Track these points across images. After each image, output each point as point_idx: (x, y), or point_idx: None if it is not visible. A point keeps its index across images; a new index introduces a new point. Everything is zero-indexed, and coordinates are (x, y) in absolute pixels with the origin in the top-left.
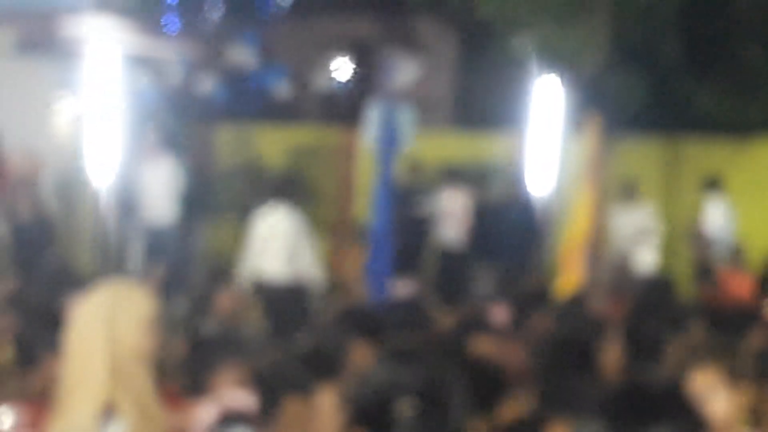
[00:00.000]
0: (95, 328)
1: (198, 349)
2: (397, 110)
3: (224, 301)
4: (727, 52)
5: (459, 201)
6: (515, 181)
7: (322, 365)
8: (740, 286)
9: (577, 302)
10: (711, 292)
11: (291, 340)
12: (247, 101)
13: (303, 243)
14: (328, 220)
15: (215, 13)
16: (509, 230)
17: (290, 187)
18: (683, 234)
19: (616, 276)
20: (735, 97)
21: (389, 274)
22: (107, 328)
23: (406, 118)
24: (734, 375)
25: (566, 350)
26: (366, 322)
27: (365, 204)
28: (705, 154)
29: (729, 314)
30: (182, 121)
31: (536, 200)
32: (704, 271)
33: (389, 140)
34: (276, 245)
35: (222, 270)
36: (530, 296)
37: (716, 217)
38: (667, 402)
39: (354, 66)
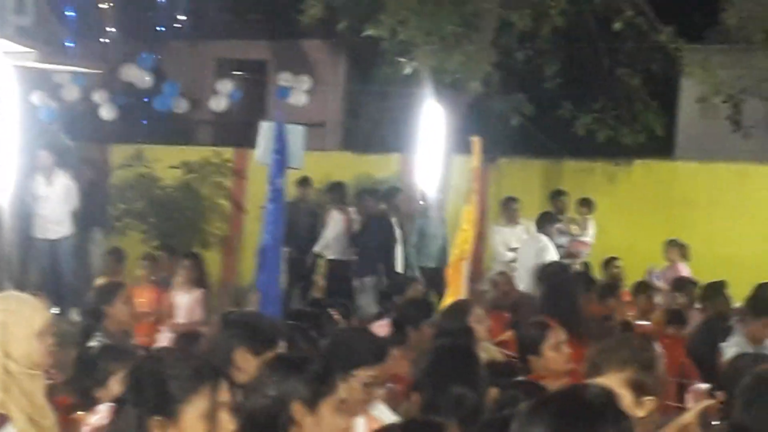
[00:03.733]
0: None
1: (87, 361)
2: (287, 130)
3: (116, 313)
4: (605, 77)
5: (343, 216)
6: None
7: (206, 371)
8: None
9: (457, 313)
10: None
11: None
12: (141, 120)
13: None
14: (219, 236)
15: (111, 33)
16: (386, 244)
17: None
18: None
19: (496, 291)
20: (612, 121)
21: (278, 288)
22: None
23: (296, 138)
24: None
25: (448, 359)
26: (251, 330)
27: (255, 220)
28: (583, 176)
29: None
30: (77, 138)
31: (393, 213)
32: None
33: (280, 159)
34: None
35: (116, 282)
36: (413, 308)
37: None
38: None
39: (246, 87)
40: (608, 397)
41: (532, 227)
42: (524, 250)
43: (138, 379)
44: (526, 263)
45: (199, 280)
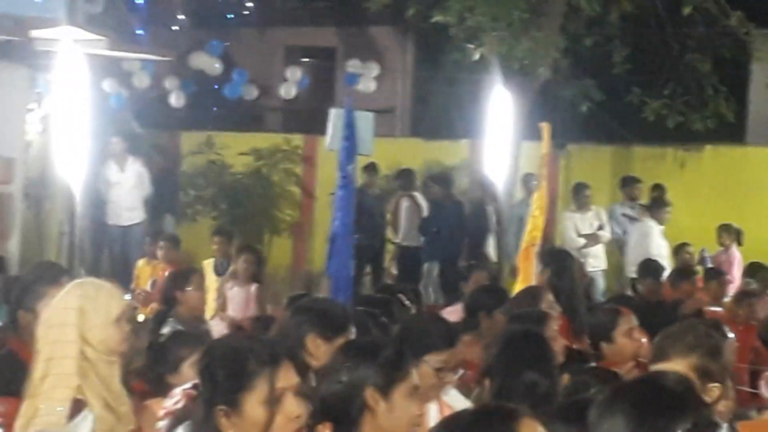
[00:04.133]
0: (65, 324)
1: (160, 347)
2: (356, 117)
3: (189, 299)
4: (675, 63)
5: (411, 202)
6: (470, 182)
7: (279, 356)
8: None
9: (529, 299)
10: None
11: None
12: (211, 107)
13: None
14: (289, 222)
15: (181, 20)
16: (460, 229)
17: None
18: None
19: None
20: (682, 106)
21: (349, 273)
22: (77, 324)
23: (365, 125)
24: None
25: (522, 344)
26: (321, 316)
27: (326, 207)
28: (653, 162)
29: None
30: (147, 126)
31: (489, 201)
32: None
33: (349, 146)
34: None
35: (189, 269)
36: (485, 294)
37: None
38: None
39: (315, 74)
40: (687, 384)
41: (603, 213)
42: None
43: (206, 365)
44: (633, 247)
45: (256, 274)
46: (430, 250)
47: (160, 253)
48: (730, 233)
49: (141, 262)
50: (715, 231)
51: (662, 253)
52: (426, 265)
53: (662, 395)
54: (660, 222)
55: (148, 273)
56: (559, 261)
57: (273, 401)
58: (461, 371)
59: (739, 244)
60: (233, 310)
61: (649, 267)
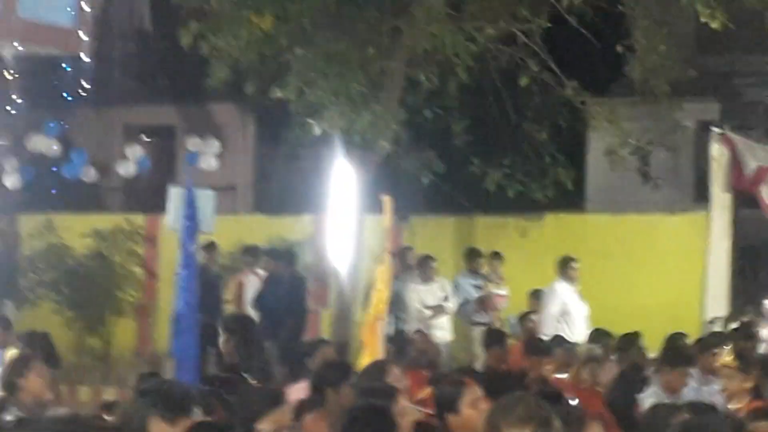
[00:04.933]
0: None
1: None
2: (197, 195)
3: (30, 385)
4: (513, 132)
5: (257, 279)
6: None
7: None
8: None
9: (376, 373)
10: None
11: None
12: (50, 189)
13: None
14: (133, 303)
15: (16, 102)
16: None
17: None
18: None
19: (414, 349)
20: (522, 176)
21: (195, 353)
22: None
23: (206, 203)
24: None
25: (367, 419)
26: (164, 398)
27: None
28: (495, 231)
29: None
30: None
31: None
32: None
33: (191, 225)
34: None
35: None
36: (331, 370)
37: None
38: None
39: (155, 152)
40: None
41: (447, 284)
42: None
43: None
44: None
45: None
46: (266, 326)
47: None
48: (539, 299)
49: None
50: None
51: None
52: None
53: None
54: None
55: None
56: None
57: None
58: None
59: None
60: None
61: (494, 336)
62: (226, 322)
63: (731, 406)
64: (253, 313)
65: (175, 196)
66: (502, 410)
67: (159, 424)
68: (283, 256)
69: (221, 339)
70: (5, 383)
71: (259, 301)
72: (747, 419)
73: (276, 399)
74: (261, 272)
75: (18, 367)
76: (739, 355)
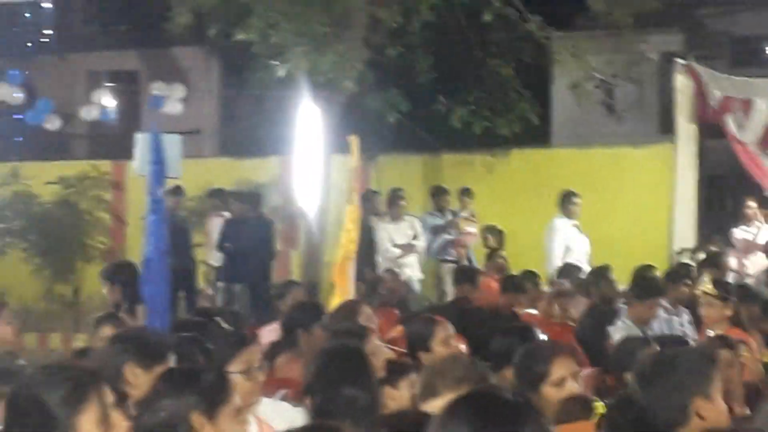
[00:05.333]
0: None
1: None
2: (163, 140)
3: (1, 332)
4: (478, 69)
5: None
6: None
7: (86, 380)
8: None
9: (347, 313)
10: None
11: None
12: (14, 137)
13: None
14: (101, 249)
15: None
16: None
17: None
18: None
19: (384, 287)
20: (487, 112)
21: (165, 298)
22: None
23: (173, 148)
24: None
25: (340, 360)
26: (139, 345)
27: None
28: (461, 168)
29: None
30: None
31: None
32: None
33: (158, 170)
34: None
35: None
36: (302, 311)
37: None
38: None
39: (120, 98)
40: (524, 396)
41: (417, 222)
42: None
43: (17, 406)
44: None
45: None
46: (230, 268)
47: None
48: (494, 234)
49: None
50: (540, 233)
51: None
52: (234, 286)
53: (503, 406)
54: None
55: None
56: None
57: (105, 420)
58: (282, 391)
59: (501, 246)
60: None
61: (464, 272)
62: (108, 271)
63: (711, 333)
64: (217, 255)
65: (141, 141)
66: (438, 373)
67: (134, 370)
68: (248, 198)
69: (105, 287)
70: None
71: (223, 244)
72: (711, 347)
73: (247, 341)
74: (227, 215)
75: None
76: (717, 283)
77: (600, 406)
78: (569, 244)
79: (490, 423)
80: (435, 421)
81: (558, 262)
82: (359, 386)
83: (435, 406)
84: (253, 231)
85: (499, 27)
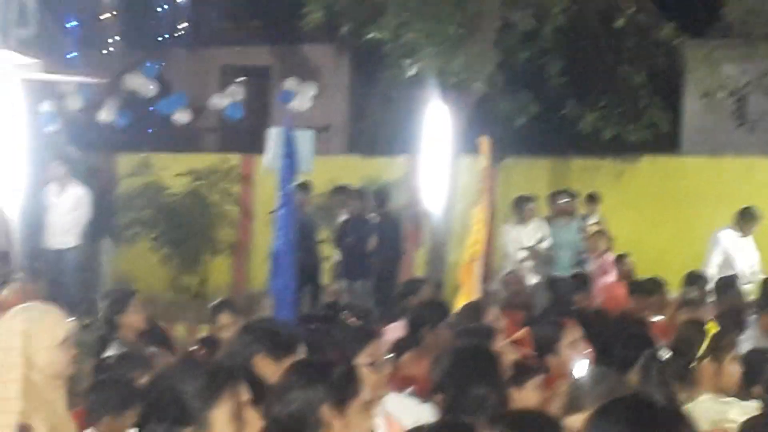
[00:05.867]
0: (10, 348)
1: (105, 371)
2: (295, 135)
3: (130, 321)
4: (609, 74)
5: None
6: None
7: (222, 376)
8: (618, 295)
9: (473, 313)
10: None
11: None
12: (147, 129)
13: None
14: (228, 242)
15: (114, 42)
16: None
17: None
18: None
19: (508, 290)
20: (617, 118)
21: (292, 292)
22: (22, 347)
23: (305, 143)
24: None
25: (470, 359)
26: (270, 336)
27: (264, 226)
28: (590, 173)
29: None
30: (85, 148)
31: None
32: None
33: (289, 164)
34: None
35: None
36: (428, 309)
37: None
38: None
39: (251, 93)
40: (675, 403)
41: (545, 225)
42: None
43: (157, 396)
44: None
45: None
46: (351, 265)
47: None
48: (603, 240)
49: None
50: (671, 242)
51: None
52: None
53: (655, 410)
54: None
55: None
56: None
57: (239, 416)
58: (409, 388)
59: (611, 248)
60: None
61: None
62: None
63: None
64: (337, 252)
65: (274, 136)
66: (583, 388)
67: (264, 360)
68: (372, 196)
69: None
70: (105, 320)
71: (341, 241)
72: None
73: (373, 335)
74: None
75: (117, 304)
76: None
77: None
78: (731, 257)
79: (643, 427)
80: (587, 420)
81: (714, 273)
82: (489, 385)
83: (579, 420)
84: (376, 229)
85: (631, 32)
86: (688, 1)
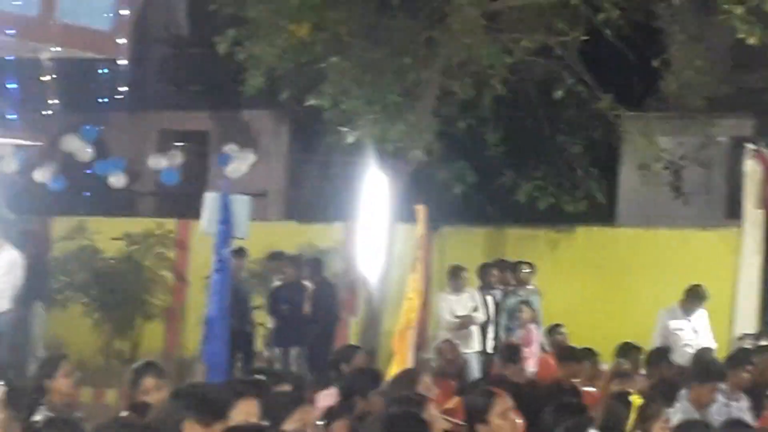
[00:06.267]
0: None
1: None
2: (232, 200)
3: (59, 386)
4: (547, 145)
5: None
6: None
7: None
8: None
9: (406, 381)
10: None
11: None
12: (83, 192)
13: None
14: (162, 307)
15: (53, 104)
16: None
17: None
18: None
19: (441, 358)
20: (554, 188)
21: (225, 358)
22: None
23: (241, 209)
24: None
25: (400, 426)
26: (200, 401)
27: (198, 291)
28: (525, 243)
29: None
30: (19, 211)
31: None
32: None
33: (225, 230)
34: None
35: (57, 355)
36: (361, 377)
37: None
38: None
39: (190, 158)
40: None
41: (477, 294)
42: None
43: None
44: None
45: None
46: (285, 332)
47: None
48: (526, 311)
49: None
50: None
51: None
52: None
53: None
54: None
55: None
56: None
57: None
58: None
59: (536, 321)
60: None
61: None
62: None
63: None
64: (270, 319)
65: (210, 200)
66: None
67: (194, 427)
68: (308, 263)
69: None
70: (35, 385)
71: (275, 308)
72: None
73: (303, 401)
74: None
75: (48, 368)
76: None
77: None
78: (671, 334)
79: None
80: None
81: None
82: None
83: None
84: (311, 296)
85: (570, 104)
86: (626, 73)
